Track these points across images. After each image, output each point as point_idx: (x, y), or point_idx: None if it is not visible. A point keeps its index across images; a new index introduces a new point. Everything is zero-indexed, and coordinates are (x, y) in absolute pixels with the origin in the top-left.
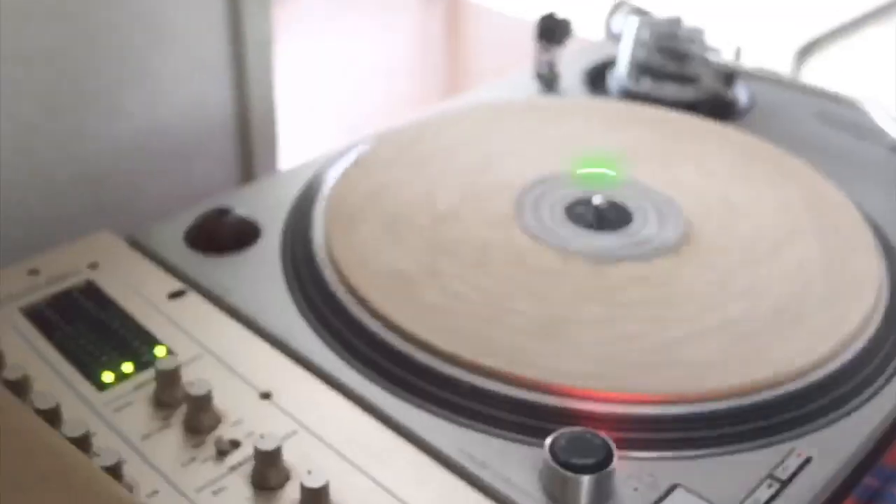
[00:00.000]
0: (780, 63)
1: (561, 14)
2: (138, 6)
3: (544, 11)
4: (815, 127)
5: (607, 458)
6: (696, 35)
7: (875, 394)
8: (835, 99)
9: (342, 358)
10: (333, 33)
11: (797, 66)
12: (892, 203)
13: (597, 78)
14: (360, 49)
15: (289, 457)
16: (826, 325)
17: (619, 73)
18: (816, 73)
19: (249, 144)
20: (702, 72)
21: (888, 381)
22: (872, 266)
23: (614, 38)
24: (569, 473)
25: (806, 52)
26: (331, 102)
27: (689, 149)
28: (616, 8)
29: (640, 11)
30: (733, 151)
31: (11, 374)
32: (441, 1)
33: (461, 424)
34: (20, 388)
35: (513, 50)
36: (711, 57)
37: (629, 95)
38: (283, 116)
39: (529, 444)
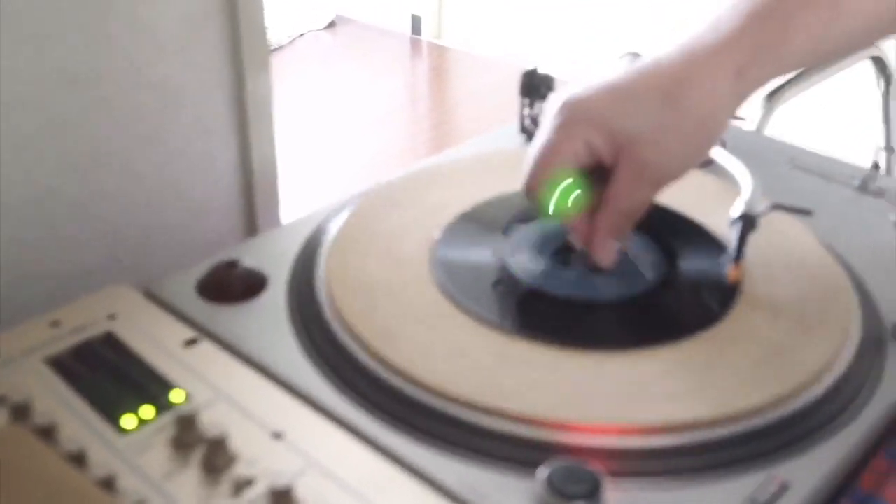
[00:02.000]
0: (748, 109)
1: (543, 70)
2: (148, 73)
3: (528, 64)
4: (785, 171)
5: (598, 487)
6: None
7: (849, 420)
8: (799, 149)
9: (347, 398)
10: (322, 83)
11: (766, 112)
12: (859, 239)
13: None
14: (350, 97)
15: (300, 493)
16: (801, 357)
17: None
18: (784, 119)
19: (253, 199)
20: None
21: (861, 408)
22: (843, 300)
23: None
24: (562, 502)
25: (774, 97)
26: (324, 151)
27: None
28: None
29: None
30: (705, 195)
31: (39, 420)
32: (428, 49)
33: (463, 458)
34: (47, 434)
35: (500, 95)
36: None
37: None
38: (280, 166)
39: (527, 475)
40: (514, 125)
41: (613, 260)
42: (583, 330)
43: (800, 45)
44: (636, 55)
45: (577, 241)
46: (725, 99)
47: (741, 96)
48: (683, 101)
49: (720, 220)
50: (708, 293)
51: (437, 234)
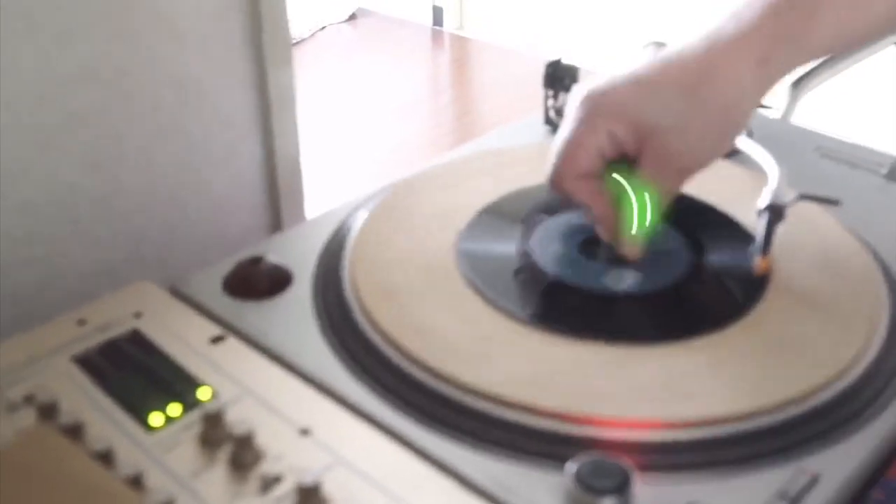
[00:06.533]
0: (774, 97)
1: (567, 60)
2: (170, 68)
3: (552, 56)
4: (812, 159)
5: (627, 482)
6: None
7: (879, 411)
8: (825, 137)
9: (374, 393)
10: (344, 76)
11: (792, 100)
12: (887, 228)
13: None
14: (372, 89)
15: (328, 489)
16: (830, 348)
17: None
18: (810, 106)
19: (277, 194)
20: None
21: (891, 399)
22: (872, 290)
23: None
24: (591, 497)
25: (800, 85)
26: (347, 143)
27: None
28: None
29: None
30: (732, 186)
31: (66, 420)
32: (450, 41)
33: (491, 454)
34: (75, 432)
35: (523, 87)
36: None
37: None
38: (303, 160)
39: (554, 470)
40: (538, 116)
41: (640, 252)
42: (610, 323)
43: (822, 35)
44: (660, 44)
45: (603, 234)
46: (749, 88)
47: (765, 85)
48: (706, 91)
49: (748, 210)
50: (736, 285)
51: (462, 227)
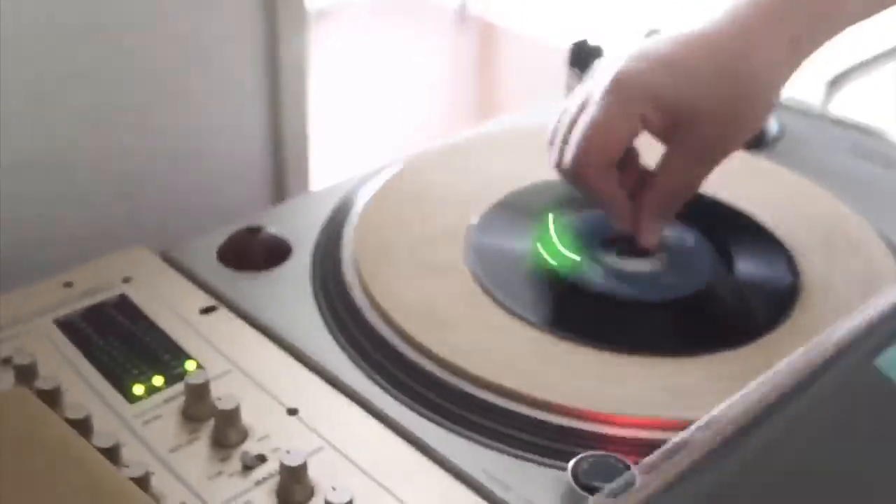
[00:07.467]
0: (811, 94)
1: (593, 41)
2: (175, 29)
3: (576, 38)
4: (843, 157)
5: (629, 483)
6: None
7: None
8: (862, 130)
9: (369, 377)
10: (367, 52)
11: (828, 98)
12: None
13: None
14: (392, 68)
15: (314, 473)
16: None
17: None
18: (847, 104)
19: (282, 165)
20: None
21: None
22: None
23: None
24: (591, 496)
25: (837, 83)
26: (362, 121)
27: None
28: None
29: None
30: (757, 179)
31: (44, 384)
32: (474, 25)
33: (485, 445)
34: (52, 398)
35: (542, 75)
36: None
37: None
38: (314, 134)
39: (551, 466)
40: (559, 96)
41: (657, 242)
42: (623, 331)
43: (853, 8)
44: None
45: (618, 223)
46: (781, 70)
47: (795, 65)
48: (740, 75)
49: (776, 215)
50: (761, 298)
51: (470, 210)
